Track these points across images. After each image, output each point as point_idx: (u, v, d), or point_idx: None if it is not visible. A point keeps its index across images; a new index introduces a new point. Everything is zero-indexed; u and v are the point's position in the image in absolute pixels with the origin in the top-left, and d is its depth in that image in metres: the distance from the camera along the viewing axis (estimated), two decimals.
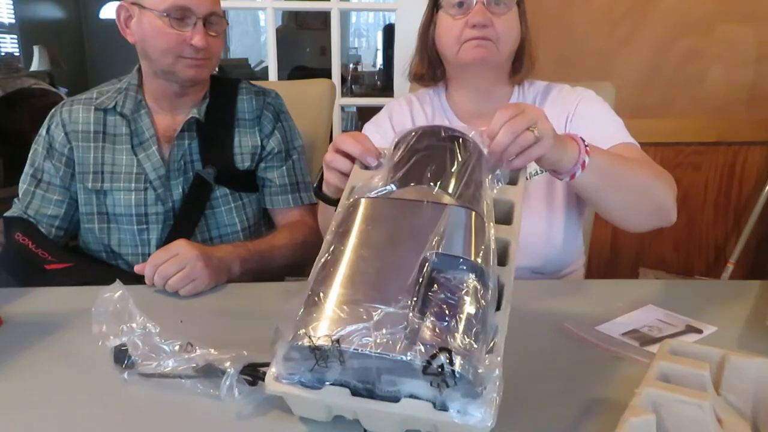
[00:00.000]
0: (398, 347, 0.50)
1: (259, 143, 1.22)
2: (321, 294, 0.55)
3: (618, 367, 0.70)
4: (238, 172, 1.21)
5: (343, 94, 4.00)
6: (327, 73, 2.00)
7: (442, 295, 0.54)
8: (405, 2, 1.90)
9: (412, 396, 0.53)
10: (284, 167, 1.24)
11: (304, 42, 6.06)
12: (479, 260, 0.57)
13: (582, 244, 1.19)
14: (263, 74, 4.80)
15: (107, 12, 5.79)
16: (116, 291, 0.74)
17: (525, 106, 0.72)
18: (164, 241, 1.16)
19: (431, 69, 1.14)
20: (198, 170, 1.18)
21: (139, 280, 0.97)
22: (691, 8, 1.84)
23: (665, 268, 2.03)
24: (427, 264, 0.56)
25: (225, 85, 1.24)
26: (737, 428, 0.54)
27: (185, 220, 1.18)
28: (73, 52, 6.02)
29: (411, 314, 0.52)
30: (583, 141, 0.80)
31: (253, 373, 0.64)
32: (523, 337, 0.78)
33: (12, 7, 5.27)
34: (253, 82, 1.31)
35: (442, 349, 0.50)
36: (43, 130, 1.20)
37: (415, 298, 0.53)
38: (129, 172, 1.16)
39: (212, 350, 0.69)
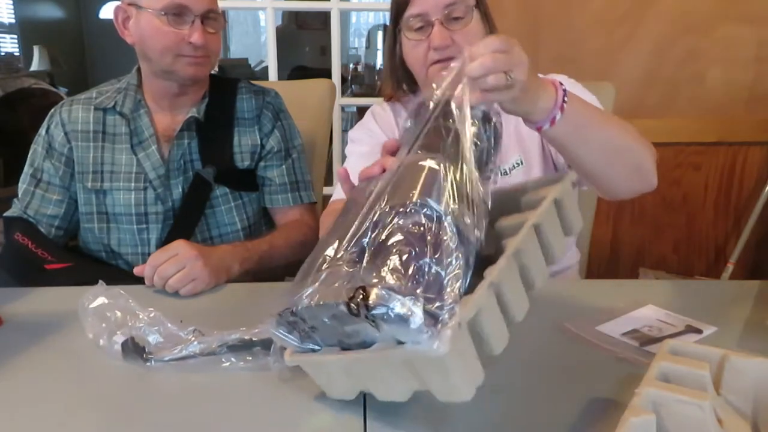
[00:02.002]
0: (329, 295, 0.53)
1: (259, 142, 1.22)
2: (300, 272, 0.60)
3: (618, 367, 0.70)
4: (238, 171, 1.21)
5: (343, 94, 4.00)
6: (327, 73, 2.00)
7: (389, 241, 0.54)
8: None
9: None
10: (284, 166, 1.24)
11: (304, 42, 6.07)
12: (437, 203, 0.55)
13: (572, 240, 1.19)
14: (263, 74, 4.80)
15: (107, 12, 5.79)
16: (101, 292, 0.77)
17: (514, 46, 0.66)
18: (164, 240, 1.16)
19: (403, 86, 1.13)
20: (198, 169, 1.18)
21: (138, 279, 0.97)
22: (691, 8, 1.84)
23: (665, 268, 2.04)
24: (375, 215, 0.56)
25: (224, 85, 1.24)
26: (737, 428, 0.54)
27: (185, 220, 1.18)
28: (73, 52, 6.03)
29: (345, 266, 0.54)
30: (564, 93, 0.73)
31: None
32: (523, 337, 0.78)
33: (12, 7, 5.27)
34: (253, 82, 1.31)
35: (358, 288, 0.51)
36: (42, 130, 1.20)
37: (354, 249, 0.55)
38: (128, 172, 1.16)
39: (216, 332, 0.73)
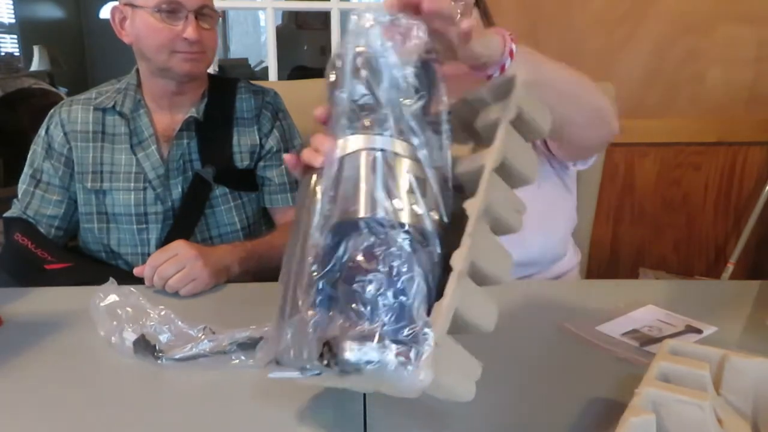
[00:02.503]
0: (301, 349, 0.51)
1: (258, 142, 1.22)
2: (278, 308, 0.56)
3: (618, 367, 0.70)
4: (238, 171, 1.21)
5: None
6: None
7: (342, 277, 0.51)
8: None
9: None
10: (283, 166, 1.24)
11: (304, 42, 6.06)
12: (384, 213, 0.50)
13: (571, 239, 1.19)
14: (263, 74, 4.80)
15: (107, 12, 5.78)
16: (112, 290, 0.78)
17: None
18: (164, 240, 1.16)
19: None
20: (197, 169, 1.18)
21: (138, 280, 0.97)
22: (691, 8, 1.84)
23: (665, 268, 2.04)
24: (311, 245, 0.51)
25: (223, 85, 1.24)
26: (737, 428, 0.54)
27: (185, 220, 1.18)
28: (73, 52, 6.02)
29: (306, 316, 0.51)
30: (507, 33, 0.71)
31: None
32: (523, 337, 0.78)
33: (12, 7, 5.27)
34: (253, 82, 1.31)
35: (324, 344, 0.49)
36: (42, 131, 1.20)
37: (310, 290, 0.51)
38: (128, 172, 1.16)
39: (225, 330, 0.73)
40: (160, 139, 1.18)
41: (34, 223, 1.18)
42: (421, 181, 0.54)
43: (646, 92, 1.91)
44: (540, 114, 0.62)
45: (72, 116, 1.18)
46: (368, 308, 0.48)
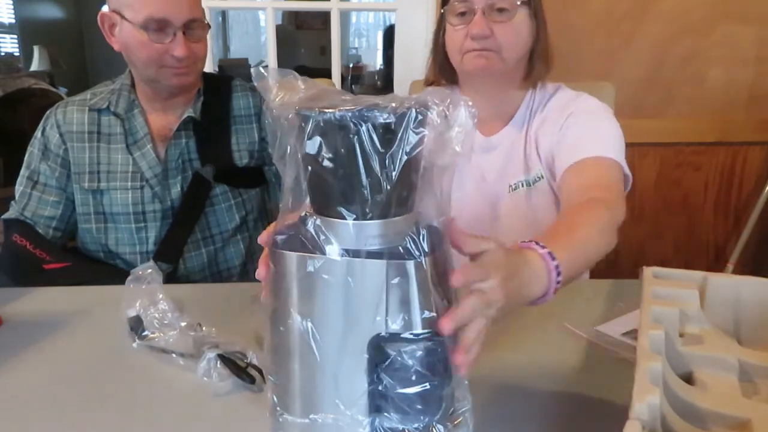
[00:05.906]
0: None
1: (256, 139, 1.22)
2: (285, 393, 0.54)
3: (618, 367, 0.70)
4: (237, 170, 1.21)
5: None
6: (327, 73, 2.00)
7: (392, 382, 0.52)
8: (405, 2, 1.90)
9: None
10: None
11: (304, 42, 6.07)
12: (419, 326, 0.51)
13: None
14: None
15: None
16: (147, 269, 0.83)
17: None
18: (163, 239, 1.16)
19: (444, 74, 1.11)
20: (197, 169, 1.18)
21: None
22: (691, 8, 1.84)
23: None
24: (370, 347, 0.52)
25: (218, 83, 1.24)
26: (721, 341, 0.60)
27: (185, 218, 1.18)
28: (73, 52, 6.03)
29: (365, 420, 0.52)
30: (552, 259, 0.65)
31: (228, 362, 0.70)
32: (524, 337, 0.78)
33: (12, 7, 5.27)
34: None
35: None
36: (38, 132, 1.20)
37: (365, 398, 0.52)
38: (125, 171, 1.16)
39: (210, 329, 0.78)
40: (156, 138, 1.18)
41: (32, 224, 1.17)
42: (426, 280, 0.51)
43: (646, 92, 1.91)
44: None
45: (67, 117, 1.18)
46: (424, 406, 0.52)
